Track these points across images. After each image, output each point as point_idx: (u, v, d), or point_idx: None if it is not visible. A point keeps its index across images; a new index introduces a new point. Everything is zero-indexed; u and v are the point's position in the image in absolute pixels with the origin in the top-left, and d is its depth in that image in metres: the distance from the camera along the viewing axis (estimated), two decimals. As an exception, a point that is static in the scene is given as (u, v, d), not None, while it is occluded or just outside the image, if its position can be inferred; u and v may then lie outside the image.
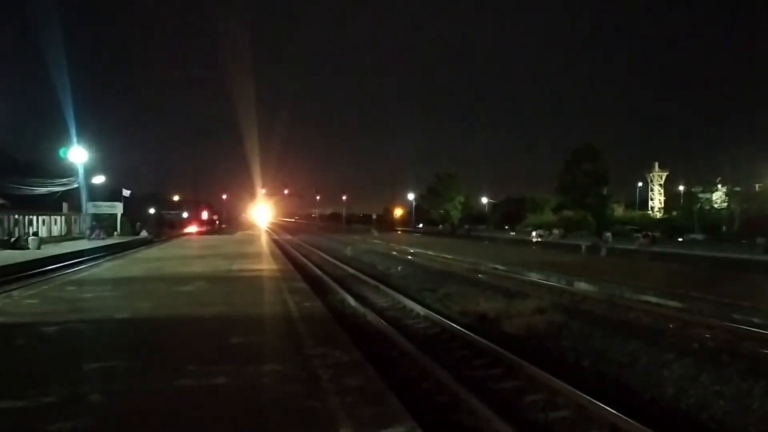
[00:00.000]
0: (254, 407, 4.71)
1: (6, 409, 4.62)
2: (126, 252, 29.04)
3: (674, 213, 61.18)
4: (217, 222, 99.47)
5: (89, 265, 20.83)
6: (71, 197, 44.94)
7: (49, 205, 42.79)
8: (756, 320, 10.72)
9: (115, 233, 45.23)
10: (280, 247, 33.79)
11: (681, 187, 71.08)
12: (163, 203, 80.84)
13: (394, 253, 31.29)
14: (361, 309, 12.63)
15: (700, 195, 54.84)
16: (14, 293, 11.89)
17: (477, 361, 8.42)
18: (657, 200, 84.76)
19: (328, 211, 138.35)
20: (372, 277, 18.73)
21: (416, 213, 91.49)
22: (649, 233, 42.03)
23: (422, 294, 15.30)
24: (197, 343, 7.06)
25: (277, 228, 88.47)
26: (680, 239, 42.33)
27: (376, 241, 42.44)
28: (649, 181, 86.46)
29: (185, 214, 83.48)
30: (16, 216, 35.94)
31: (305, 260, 26.56)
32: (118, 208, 47.83)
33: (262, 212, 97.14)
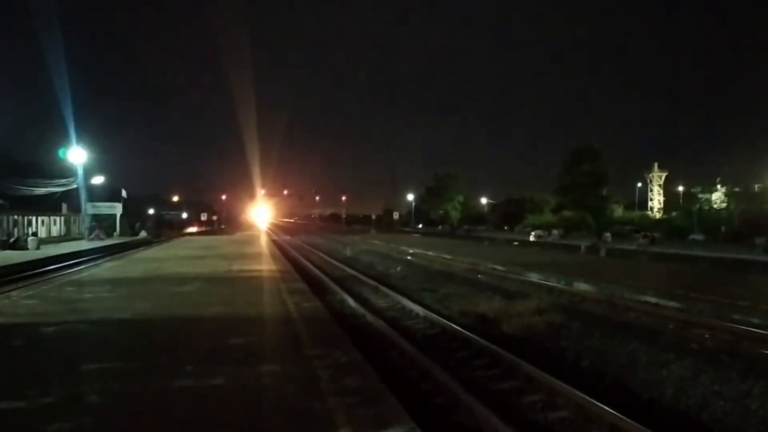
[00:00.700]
0: (253, 408, 4.70)
1: (5, 410, 4.61)
2: (125, 252, 29.01)
3: (674, 213, 61.17)
4: (216, 222, 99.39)
5: (88, 265, 20.81)
6: (70, 198, 44.93)
7: (49, 205, 42.79)
8: (755, 320, 10.72)
9: (115, 234, 45.21)
10: (279, 248, 33.77)
11: (680, 188, 71.22)
12: (162, 204, 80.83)
13: (394, 253, 31.28)
14: (361, 309, 12.62)
15: (700, 195, 54.88)
16: (13, 294, 11.87)
17: (476, 362, 8.42)
18: (656, 200, 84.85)
19: (328, 211, 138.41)
20: (371, 278, 18.72)
21: (416, 213, 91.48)
22: (649, 234, 42.05)
23: (422, 294, 15.30)
24: (196, 344, 7.05)
25: (276, 229, 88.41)
26: (684, 240, 42.26)
27: (376, 241, 42.41)
28: (648, 181, 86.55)
29: (184, 215, 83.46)
30: (16, 216, 35.93)
31: (304, 261, 26.55)
32: (117, 209, 47.81)
33: (261, 213, 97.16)
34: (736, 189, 48.42)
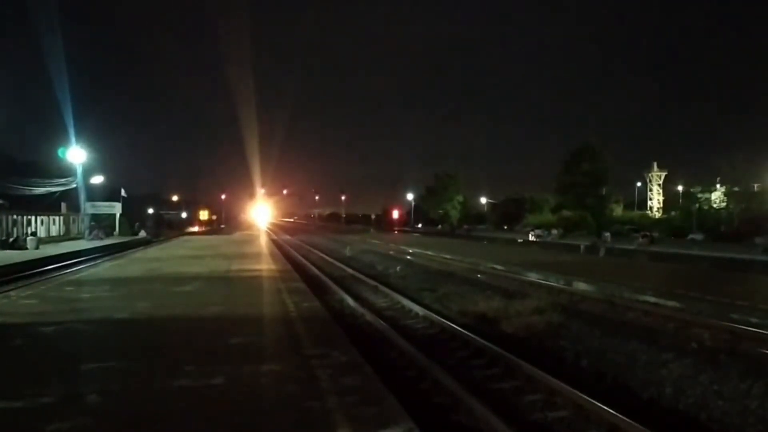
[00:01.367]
0: (253, 407, 4.70)
1: (3, 410, 4.61)
2: (125, 252, 28.99)
3: (673, 213, 61.20)
4: (216, 221, 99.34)
5: (88, 265, 20.80)
6: (70, 197, 44.84)
7: (48, 205, 42.68)
8: (754, 320, 10.72)
9: (114, 233, 45.17)
10: (278, 248, 33.75)
11: (680, 187, 71.19)
12: (161, 203, 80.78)
13: (393, 253, 31.27)
14: (360, 309, 12.62)
15: (699, 195, 54.85)
16: (12, 293, 11.85)
17: (476, 361, 8.41)
18: (656, 200, 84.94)
19: (327, 211, 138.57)
20: (371, 277, 18.72)
21: (415, 213, 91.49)
22: (648, 233, 42.09)
23: (421, 294, 15.29)
24: (196, 344, 7.04)
25: (276, 228, 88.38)
26: (683, 239, 42.27)
27: (375, 241, 42.41)
28: (647, 181, 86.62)
29: (184, 214, 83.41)
30: (15, 216, 35.82)
31: (304, 260, 26.54)
32: (116, 209, 47.75)
33: (261, 212, 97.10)
34: (736, 188, 48.45)
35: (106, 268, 18.66)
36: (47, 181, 41.87)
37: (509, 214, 74.86)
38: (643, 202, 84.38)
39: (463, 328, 10.09)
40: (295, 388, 5.13)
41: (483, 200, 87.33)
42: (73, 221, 45.83)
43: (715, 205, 51.22)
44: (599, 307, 13.04)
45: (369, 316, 11.73)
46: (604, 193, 56.70)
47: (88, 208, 44.67)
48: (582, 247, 35.83)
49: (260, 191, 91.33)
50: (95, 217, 45.79)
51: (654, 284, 14.97)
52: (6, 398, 4.84)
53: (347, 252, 32.77)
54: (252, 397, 4.93)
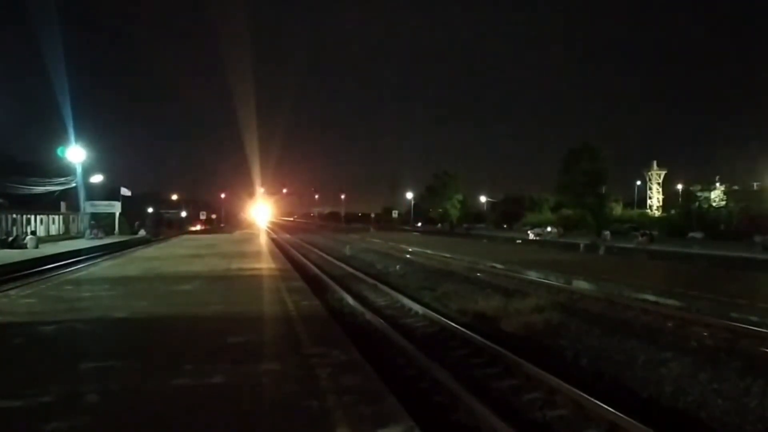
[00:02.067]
0: (252, 407, 4.69)
1: (2, 409, 4.60)
2: (124, 251, 28.98)
3: (672, 212, 61.27)
4: (215, 220, 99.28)
5: (87, 264, 20.80)
6: (69, 196, 44.84)
7: (47, 204, 42.68)
8: (754, 318, 10.73)
9: (115, 232, 45.15)
10: (278, 246, 33.74)
11: (679, 186, 71.29)
12: (161, 202, 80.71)
13: (393, 251, 31.27)
14: (360, 308, 12.62)
15: (699, 193, 54.94)
16: (11, 292, 11.85)
17: (475, 360, 8.41)
18: (655, 199, 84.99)
19: (327, 210, 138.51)
20: (370, 276, 18.72)
21: (415, 212, 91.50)
22: (648, 232, 42.10)
23: (421, 293, 15.29)
24: (195, 343, 7.04)
25: (275, 227, 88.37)
26: (683, 238, 42.29)
27: (375, 240, 42.40)
28: (647, 179, 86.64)
29: (183, 214, 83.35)
30: (14, 215, 35.83)
31: (304, 259, 26.54)
32: (116, 208, 47.73)
33: (261, 211, 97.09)
34: (735, 187, 48.54)
35: (105, 267, 18.65)
36: (47, 180, 41.85)
37: (509, 213, 74.90)
38: (642, 201, 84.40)
39: (463, 327, 10.09)
40: (295, 387, 5.13)
41: (483, 199, 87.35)
42: (73, 220, 45.84)
43: (714, 204, 51.31)
44: (598, 305, 13.04)
45: (369, 315, 11.72)
46: (603, 191, 56.73)
47: (87, 207, 44.66)
48: (582, 245, 35.83)
49: (260, 190, 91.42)
50: (95, 216, 45.77)
51: (653, 283, 14.98)
52: (5, 398, 4.84)
53: (347, 251, 32.76)
54: (252, 397, 4.93)
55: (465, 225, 73.08)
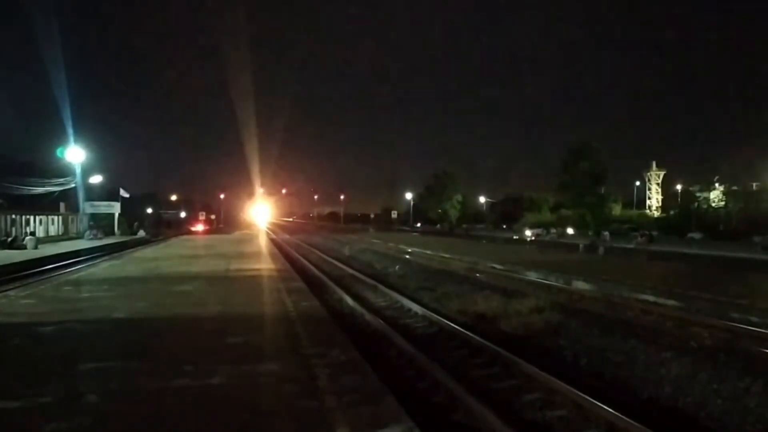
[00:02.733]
0: (252, 407, 4.69)
1: (2, 410, 4.60)
2: (123, 252, 28.97)
3: (672, 212, 61.31)
4: (215, 221, 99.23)
5: (86, 265, 20.78)
6: (68, 197, 44.80)
7: (47, 204, 42.64)
8: (754, 319, 10.74)
9: (115, 233, 45.12)
10: (278, 247, 33.74)
11: (678, 186, 71.30)
12: (160, 203, 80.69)
13: (392, 252, 31.27)
14: (359, 308, 12.62)
15: (698, 194, 54.96)
16: (11, 293, 11.84)
17: (475, 360, 8.41)
18: (654, 199, 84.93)
19: (326, 210, 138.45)
20: (370, 277, 18.71)
21: (414, 212, 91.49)
22: (647, 232, 42.14)
23: (420, 293, 15.29)
24: (194, 343, 7.04)
25: (275, 227, 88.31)
26: (682, 238, 42.30)
27: (374, 240, 42.40)
28: (646, 180, 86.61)
29: (183, 214, 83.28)
30: (13, 216, 35.79)
31: (303, 260, 26.53)
32: (115, 208, 47.72)
33: (260, 212, 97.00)
34: (735, 187, 48.56)
35: (104, 267, 18.64)
36: (46, 180, 41.80)
37: (508, 213, 74.95)
38: (641, 201, 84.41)
39: (462, 327, 10.09)
40: (294, 388, 5.13)
41: (482, 199, 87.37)
42: (72, 221, 45.80)
43: (713, 204, 51.34)
44: (598, 306, 13.04)
45: (368, 316, 11.72)
46: (602, 192, 56.73)
47: (86, 207, 44.65)
48: (581, 246, 35.85)
49: (259, 191, 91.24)
50: (94, 217, 45.77)
51: (653, 283, 14.99)
52: (4, 398, 4.83)
53: (346, 251, 32.77)
54: (251, 397, 4.93)
55: (464, 225, 73.12)
